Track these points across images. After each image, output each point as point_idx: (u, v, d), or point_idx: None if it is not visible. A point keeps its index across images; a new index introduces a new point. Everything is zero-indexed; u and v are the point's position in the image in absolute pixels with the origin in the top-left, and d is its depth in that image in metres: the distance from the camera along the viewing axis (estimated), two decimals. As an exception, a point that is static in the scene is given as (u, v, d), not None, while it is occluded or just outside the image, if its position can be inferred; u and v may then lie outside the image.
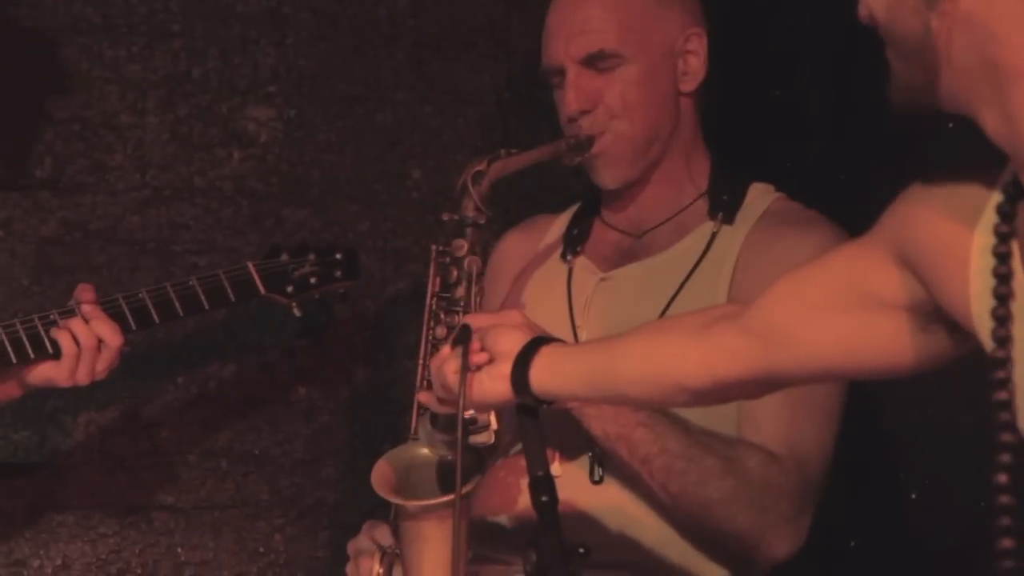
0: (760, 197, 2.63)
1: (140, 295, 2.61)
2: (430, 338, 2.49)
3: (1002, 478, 1.58)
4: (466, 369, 2.07)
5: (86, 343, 2.54)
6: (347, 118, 3.16)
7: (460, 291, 2.46)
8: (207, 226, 3.09)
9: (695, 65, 2.63)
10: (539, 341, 2.05)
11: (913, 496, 2.64)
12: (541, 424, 2.12)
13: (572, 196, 2.80)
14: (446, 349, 2.14)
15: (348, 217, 3.13)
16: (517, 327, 2.10)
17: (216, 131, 3.11)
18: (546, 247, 2.74)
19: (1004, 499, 1.58)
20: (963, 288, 1.66)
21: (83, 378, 2.56)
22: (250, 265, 2.70)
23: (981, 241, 1.64)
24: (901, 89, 1.62)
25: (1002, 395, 1.59)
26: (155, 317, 2.62)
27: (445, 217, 2.49)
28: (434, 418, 2.27)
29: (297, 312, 2.73)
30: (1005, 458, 1.59)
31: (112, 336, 2.55)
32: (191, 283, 2.64)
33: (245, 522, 3.09)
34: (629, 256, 2.65)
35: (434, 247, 2.52)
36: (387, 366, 3.12)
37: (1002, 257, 1.60)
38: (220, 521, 3.08)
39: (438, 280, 2.50)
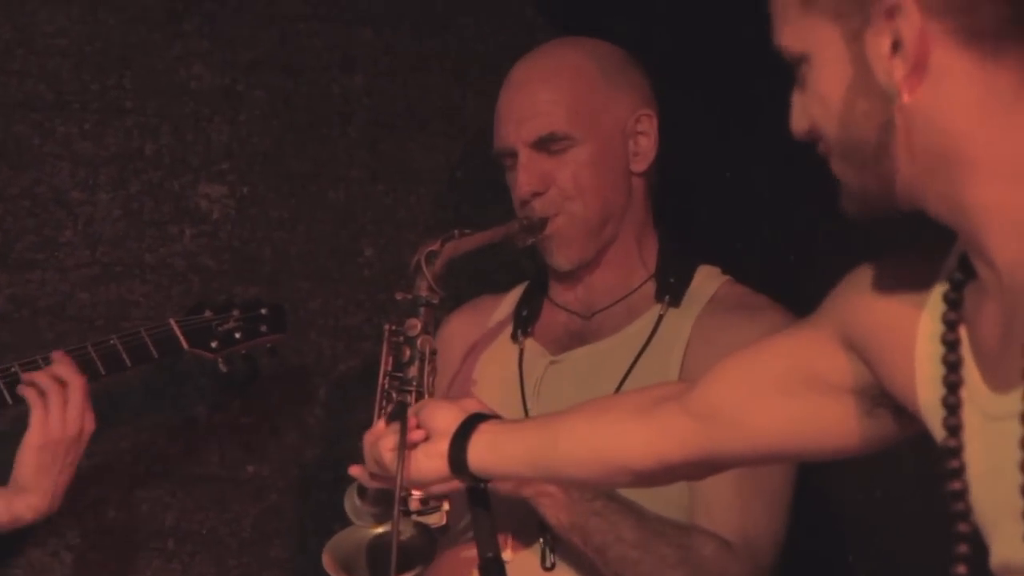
0: (708, 280, 2.64)
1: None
2: (382, 418, 2.48)
3: (961, 569, 1.57)
4: (403, 447, 2.04)
5: None
6: (300, 196, 3.15)
7: (413, 370, 2.44)
8: (157, 303, 3.07)
9: (646, 146, 2.65)
10: (477, 418, 2.02)
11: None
12: (492, 507, 2.11)
13: (524, 276, 2.80)
14: (380, 425, 2.11)
15: (300, 295, 3.12)
16: (455, 404, 2.07)
17: (168, 208, 3.10)
18: (493, 328, 2.73)
19: None
20: (909, 374, 1.66)
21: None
22: (172, 322, 2.70)
23: (928, 328, 1.63)
24: (857, 199, 1.61)
25: (956, 485, 1.58)
26: None
27: (399, 296, 2.48)
28: (361, 491, 2.24)
29: (223, 367, 2.73)
30: (963, 549, 1.58)
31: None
32: (112, 341, 2.64)
33: (192, 603, 3.07)
34: (579, 339, 2.65)
35: (387, 326, 2.51)
36: (337, 444, 3.10)
37: (951, 345, 1.60)
38: (167, 602, 3.05)
39: (391, 359, 2.49)
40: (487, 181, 3.02)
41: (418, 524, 2.30)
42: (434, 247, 2.48)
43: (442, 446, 2.02)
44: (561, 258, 2.63)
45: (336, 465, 3.07)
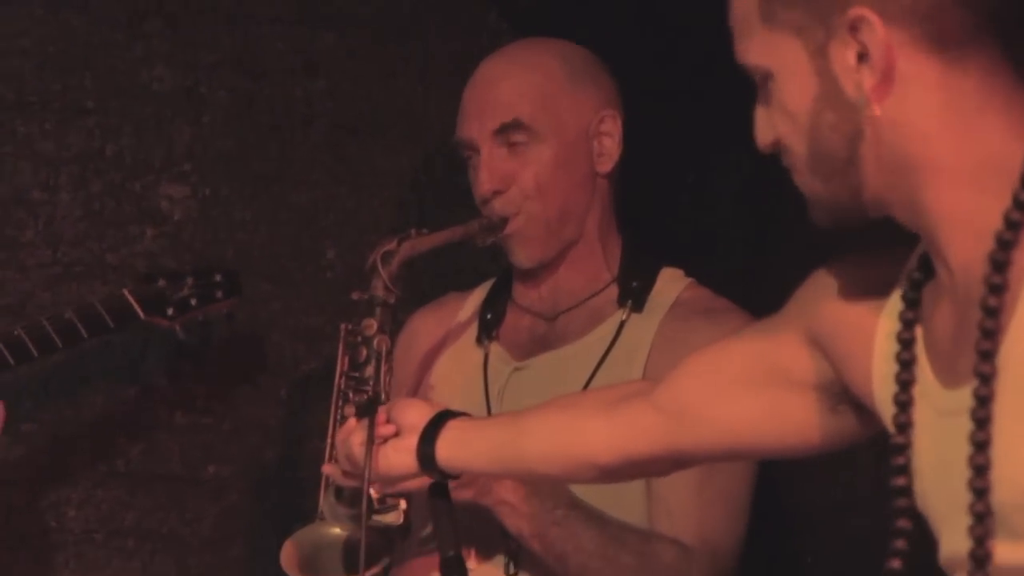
0: (671, 283, 2.63)
1: (16, 332, 2.61)
2: (339, 417, 2.48)
3: (895, 563, 1.60)
4: (371, 441, 2.06)
5: None
6: (262, 197, 3.15)
7: (369, 370, 2.45)
8: (118, 303, 3.06)
9: (609, 146, 2.64)
10: (446, 415, 2.04)
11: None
12: (452, 504, 2.12)
13: (487, 276, 2.81)
14: (352, 421, 2.13)
15: (261, 296, 3.11)
16: (425, 400, 2.10)
17: (129, 208, 3.09)
18: (457, 327, 2.73)
19: None
20: (866, 371, 1.68)
21: None
22: (126, 292, 2.72)
23: (886, 326, 1.66)
24: (826, 210, 1.63)
25: (900, 481, 1.61)
26: (33, 351, 2.61)
27: (355, 296, 2.49)
28: (338, 492, 2.25)
29: (181, 334, 2.75)
30: (900, 544, 1.61)
31: None
32: (67, 315, 2.65)
33: (152, 602, 3.06)
34: (543, 344, 2.64)
35: (343, 326, 2.51)
36: (298, 445, 3.10)
37: (905, 343, 1.62)
38: (126, 601, 3.05)
39: (347, 359, 2.49)
40: (450, 184, 3.03)
41: (375, 524, 2.30)
42: (391, 247, 2.48)
43: (411, 441, 2.03)
44: (522, 257, 2.62)
45: (296, 466, 3.09)
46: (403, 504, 2.31)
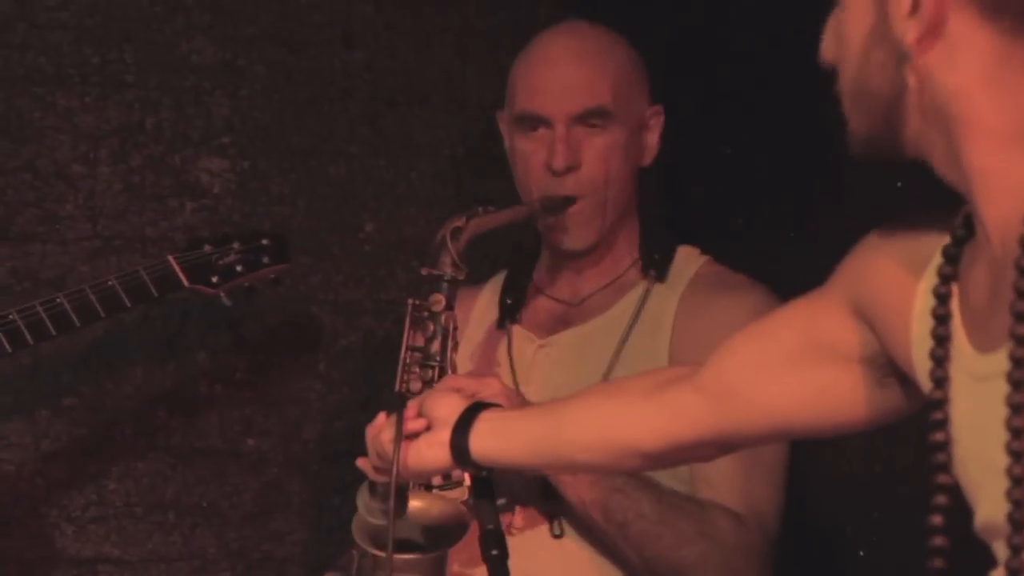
0: (688, 259, 2.65)
1: (58, 299, 2.58)
2: (405, 391, 2.47)
3: (936, 519, 1.58)
4: (400, 437, 2.00)
5: None
6: (300, 170, 3.15)
7: (435, 346, 2.46)
8: (158, 277, 3.06)
9: (652, 141, 2.67)
10: (479, 406, 1.99)
11: (861, 554, 2.65)
12: (493, 480, 2.11)
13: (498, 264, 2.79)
14: (381, 417, 2.08)
15: (300, 269, 3.11)
16: (455, 391, 2.04)
17: (168, 182, 3.10)
18: (475, 318, 2.72)
19: (938, 541, 1.58)
20: (905, 332, 1.67)
21: None
22: (170, 258, 2.67)
23: (924, 284, 1.65)
24: (863, 144, 1.63)
25: (938, 436, 1.59)
26: (76, 320, 2.59)
27: (424, 272, 2.49)
28: (372, 487, 2.17)
29: (227, 301, 2.70)
30: (940, 500, 1.59)
31: None
32: (110, 282, 2.62)
33: None
34: (564, 322, 2.65)
35: (411, 301, 2.50)
36: (337, 419, 3.11)
37: (941, 298, 1.61)
38: (167, 574, 3.05)
39: (414, 334, 2.48)
40: (488, 156, 3.03)
41: (450, 500, 2.26)
42: (459, 223, 2.49)
43: (444, 435, 1.98)
44: (576, 238, 2.62)
45: (336, 440, 3.10)
46: (467, 480, 2.26)
